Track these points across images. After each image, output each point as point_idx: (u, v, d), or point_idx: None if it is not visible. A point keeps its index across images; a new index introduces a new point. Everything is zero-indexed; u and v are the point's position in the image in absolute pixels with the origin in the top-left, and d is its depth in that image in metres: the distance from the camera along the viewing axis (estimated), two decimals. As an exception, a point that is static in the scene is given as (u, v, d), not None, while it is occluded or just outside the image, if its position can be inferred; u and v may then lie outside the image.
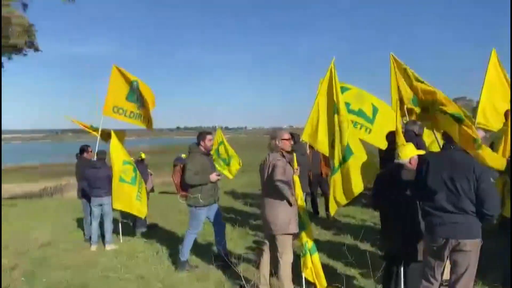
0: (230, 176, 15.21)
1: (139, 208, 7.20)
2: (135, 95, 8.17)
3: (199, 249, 6.42)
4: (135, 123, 8.33)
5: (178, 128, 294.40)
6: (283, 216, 4.01)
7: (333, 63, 5.26)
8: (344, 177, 4.78)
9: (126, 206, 7.14)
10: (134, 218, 8.57)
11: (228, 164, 14.93)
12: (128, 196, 7.12)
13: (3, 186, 32.03)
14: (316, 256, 4.35)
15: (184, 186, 5.58)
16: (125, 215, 7.86)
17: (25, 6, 16.15)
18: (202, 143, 5.60)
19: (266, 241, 4.21)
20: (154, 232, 8.20)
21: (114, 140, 7.25)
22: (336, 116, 4.84)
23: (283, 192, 3.93)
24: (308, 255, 4.31)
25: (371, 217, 8.20)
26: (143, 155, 9.68)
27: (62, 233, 8.42)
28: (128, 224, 8.53)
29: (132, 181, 7.18)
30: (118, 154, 7.12)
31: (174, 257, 6.14)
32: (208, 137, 5.63)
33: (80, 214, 10.81)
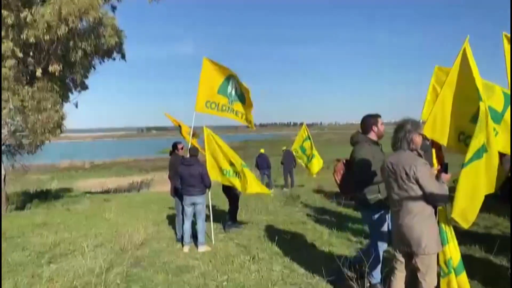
0: (314, 174, 14.45)
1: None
2: (228, 88, 7.77)
3: (308, 259, 5.79)
4: (229, 116, 7.92)
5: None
6: (429, 232, 3.19)
7: (467, 43, 4.33)
8: (472, 178, 3.81)
9: (257, 187, 7.22)
10: (225, 218, 8.22)
11: (310, 161, 14.21)
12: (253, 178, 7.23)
13: (96, 180, 34.50)
14: (464, 276, 3.49)
15: (347, 187, 4.43)
16: (216, 214, 7.51)
17: (114, 8, 16.79)
18: (374, 128, 4.42)
19: (400, 259, 3.39)
20: (245, 233, 7.72)
21: (209, 134, 7.07)
22: (481, 103, 3.89)
23: (440, 202, 3.14)
24: (452, 275, 3.46)
25: (494, 223, 7.00)
26: None
27: (154, 231, 8.28)
28: (219, 224, 8.17)
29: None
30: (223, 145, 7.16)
31: (272, 264, 5.58)
32: (380, 120, 4.53)
33: (168, 211, 10.82)
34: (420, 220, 3.14)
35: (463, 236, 6.04)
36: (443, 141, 4.49)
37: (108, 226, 9.20)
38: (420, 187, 3.14)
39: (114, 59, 17.86)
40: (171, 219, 9.31)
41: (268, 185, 15.35)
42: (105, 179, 35.12)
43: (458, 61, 4.38)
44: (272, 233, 7.43)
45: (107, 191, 24.60)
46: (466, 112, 4.52)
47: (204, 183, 6.73)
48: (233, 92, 7.80)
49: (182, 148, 7.70)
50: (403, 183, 3.20)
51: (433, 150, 4.17)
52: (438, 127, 4.50)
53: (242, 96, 7.83)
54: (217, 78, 7.76)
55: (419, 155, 3.31)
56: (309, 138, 14.12)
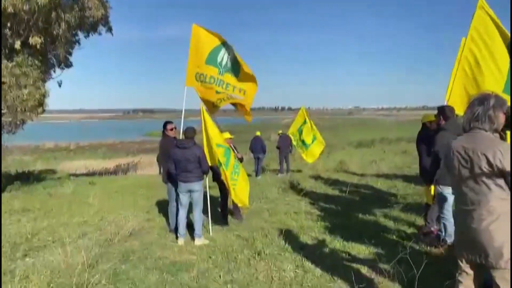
0: (310, 161, 13.71)
1: (239, 196, 6.13)
2: (219, 57, 6.83)
3: (322, 256, 5.11)
4: (220, 91, 6.99)
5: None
6: None
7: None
8: None
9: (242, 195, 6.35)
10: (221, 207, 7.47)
11: (307, 148, 13.50)
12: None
13: (81, 162, 33.48)
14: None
15: None
16: (213, 202, 6.79)
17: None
18: None
19: (467, 270, 2.65)
20: (245, 224, 7.00)
21: (206, 116, 6.20)
22: None
23: None
24: None
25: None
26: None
27: (143, 220, 7.52)
28: (216, 213, 7.43)
29: (225, 165, 6.11)
30: (213, 133, 6.11)
31: (282, 262, 4.88)
32: None
33: (158, 197, 10.07)
34: (504, 224, 2.40)
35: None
36: None
37: (92, 213, 8.42)
38: (506, 179, 2.39)
39: (100, 33, 16.80)
40: (162, 207, 8.56)
41: (257, 171, 14.59)
42: (91, 161, 34.10)
43: (475, 21, 4.89)
44: (276, 224, 6.75)
45: (92, 174, 23.68)
46: (498, 80, 4.49)
47: (202, 168, 5.98)
48: (225, 62, 6.87)
49: (172, 129, 6.80)
50: (483, 175, 2.46)
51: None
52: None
53: (236, 68, 6.93)
54: (207, 47, 6.81)
55: (502, 138, 2.56)
56: (307, 122, 13.41)
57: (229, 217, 7.22)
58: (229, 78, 6.87)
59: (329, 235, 5.86)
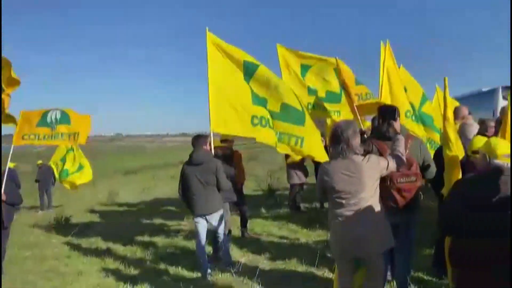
0: (69, 187, 12.25)
1: None
2: (48, 118, 6.72)
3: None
4: (55, 143, 7.75)
5: None
6: None
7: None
8: None
9: None
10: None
11: (67, 175, 12.17)
12: None
13: None
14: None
15: None
16: None
17: None
18: None
19: None
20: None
21: None
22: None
23: None
24: None
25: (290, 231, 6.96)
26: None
27: None
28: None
29: None
30: None
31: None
32: None
33: None
34: None
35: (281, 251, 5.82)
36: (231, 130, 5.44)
37: None
38: None
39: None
40: None
41: (42, 206, 12.68)
42: None
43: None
44: (47, 273, 5.68)
45: None
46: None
47: None
48: (54, 118, 6.78)
49: None
50: None
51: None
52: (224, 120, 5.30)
53: (65, 118, 6.84)
54: (37, 114, 6.68)
55: None
56: (74, 150, 12.12)
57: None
58: (62, 128, 6.76)
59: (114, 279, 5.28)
